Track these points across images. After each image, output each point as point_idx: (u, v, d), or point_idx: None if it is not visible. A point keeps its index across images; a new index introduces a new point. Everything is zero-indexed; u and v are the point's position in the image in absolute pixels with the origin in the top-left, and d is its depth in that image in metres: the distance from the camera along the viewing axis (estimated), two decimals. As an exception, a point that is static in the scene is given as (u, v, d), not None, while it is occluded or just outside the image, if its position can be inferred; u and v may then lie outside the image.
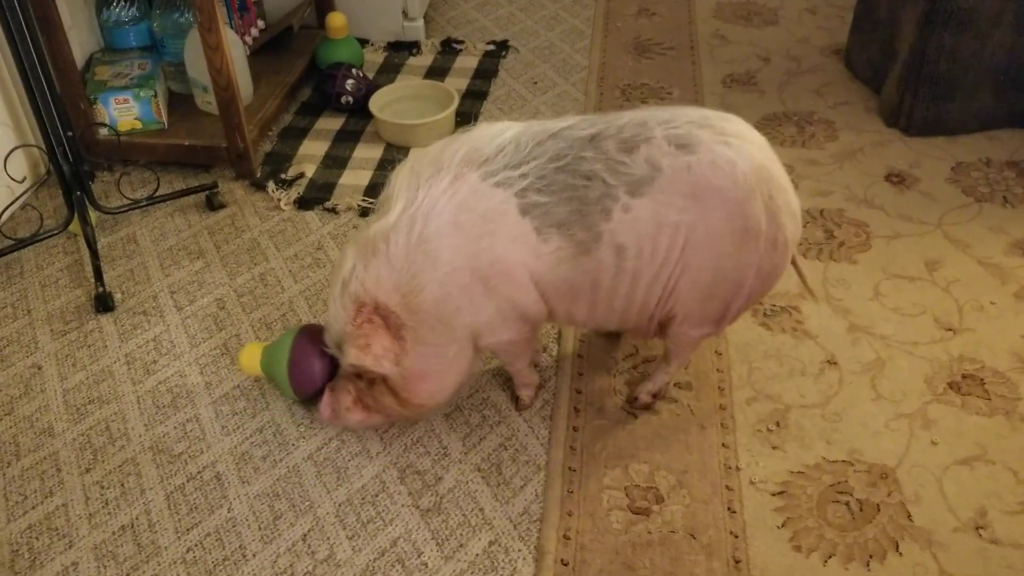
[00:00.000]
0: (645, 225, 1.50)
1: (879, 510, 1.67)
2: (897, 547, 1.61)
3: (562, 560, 1.61)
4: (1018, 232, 2.28)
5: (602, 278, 1.56)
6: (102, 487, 1.77)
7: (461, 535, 1.67)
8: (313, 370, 1.79)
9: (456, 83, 2.92)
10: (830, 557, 1.60)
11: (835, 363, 1.96)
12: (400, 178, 1.56)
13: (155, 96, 2.54)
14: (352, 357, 1.59)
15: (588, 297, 1.60)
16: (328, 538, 1.67)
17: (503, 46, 3.15)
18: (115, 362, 2.03)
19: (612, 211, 1.50)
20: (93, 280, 2.19)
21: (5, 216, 2.33)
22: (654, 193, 1.49)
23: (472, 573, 1.61)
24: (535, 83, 2.97)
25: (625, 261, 1.53)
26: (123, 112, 2.53)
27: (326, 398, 1.75)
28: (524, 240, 1.51)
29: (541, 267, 1.54)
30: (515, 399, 1.89)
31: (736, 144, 1.50)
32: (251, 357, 1.88)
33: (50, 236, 2.30)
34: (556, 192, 1.50)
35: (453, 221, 1.50)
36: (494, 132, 1.56)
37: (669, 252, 1.53)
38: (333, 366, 1.76)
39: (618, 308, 1.62)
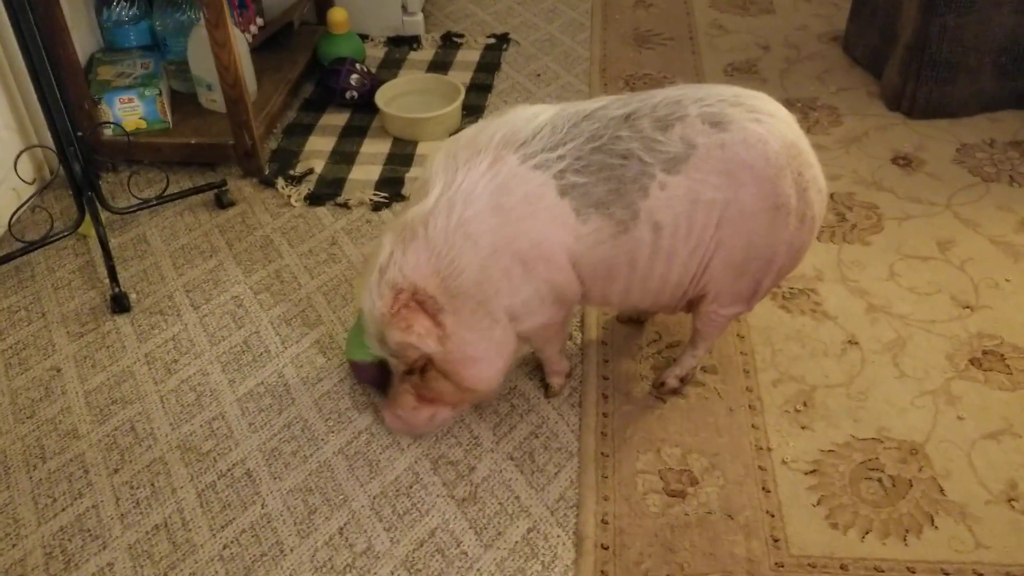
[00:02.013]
0: (681, 202, 1.52)
1: (911, 485, 1.69)
2: (932, 521, 1.63)
3: (602, 544, 1.62)
4: (1026, 210, 2.31)
5: (639, 257, 1.57)
6: (132, 487, 1.76)
7: (499, 523, 1.67)
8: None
9: (459, 77, 2.92)
10: (867, 533, 1.62)
11: (856, 343, 1.98)
12: (437, 162, 1.56)
13: (160, 95, 2.52)
14: (396, 337, 1.55)
15: (624, 277, 1.61)
16: (365, 530, 1.67)
17: (504, 39, 3.15)
18: (135, 362, 2.01)
19: (649, 188, 1.51)
20: (107, 281, 2.17)
21: (14, 219, 2.31)
22: (689, 171, 1.51)
23: (513, 560, 1.61)
24: (538, 75, 2.97)
25: (662, 239, 1.55)
26: (128, 112, 2.51)
27: (388, 412, 1.74)
28: (563, 221, 1.52)
29: (580, 248, 1.55)
30: (545, 386, 1.89)
31: (767, 122, 1.52)
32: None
33: (61, 238, 2.28)
34: (594, 172, 1.51)
35: (493, 204, 1.50)
36: (529, 115, 1.56)
37: (704, 229, 1.54)
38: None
39: (653, 288, 1.63)
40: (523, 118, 1.56)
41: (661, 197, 1.52)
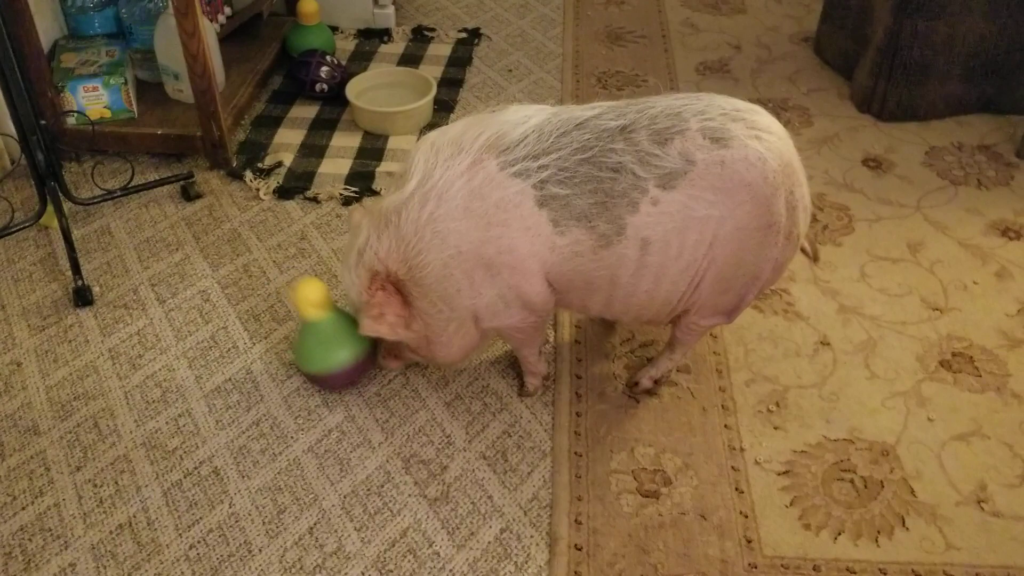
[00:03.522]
0: (673, 219, 1.49)
1: (883, 487, 1.70)
2: (904, 522, 1.64)
3: (576, 545, 1.60)
4: (994, 214, 2.33)
5: (621, 273, 1.55)
6: (95, 485, 1.72)
7: (472, 523, 1.65)
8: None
9: (430, 71, 2.89)
10: (840, 534, 1.62)
11: (828, 344, 1.98)
12: (420, 153, 1.55)
13: (125, 84, 2.47)
14: (367, 328, 1.61)
15: (605, 291, 1.59)
16: (336, 530, 1.64)
17: (475, 34, 3.13)
18: (99, 357, 1.97)
19: (640, 204, 1.48)
20: (69, 274, 2.12)
21: (-29, 209, 2.25)
22: (685, 187, 1.47)
23: (486, 560, 1.59)
24: (510, 71, 2.95)
25: (649, 255, 1.52)
26: (92, 100, 2.45)
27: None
28: (538, 232, 1.50)
29: (555, 259, 1.53)
30: (520, 384, 1.88)
31: (767, 139, 1.49)
32: (313, 302, 1.77)
33: (21, 228, 2.22)
34: (579, 184, 1.48)
35: (465, 206, 1.49)
36: (520, 118, 1.53)
37: (696, 247, 1.51)
38: None
39: (636, 303, 1.61)
40: (513, 121, 1.53)
41: (652, 213, 1.48)
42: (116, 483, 1.72)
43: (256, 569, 1.58)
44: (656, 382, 1.87)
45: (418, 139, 2.57)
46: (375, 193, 2.41)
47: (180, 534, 1.63)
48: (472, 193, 1.49)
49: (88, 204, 2.31)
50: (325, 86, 2.73)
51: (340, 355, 1.80)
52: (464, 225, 1.50)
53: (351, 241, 1.62)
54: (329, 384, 1.87)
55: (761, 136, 1.49)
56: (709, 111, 1.50)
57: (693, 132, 1.48)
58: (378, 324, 1.60)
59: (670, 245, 1.51)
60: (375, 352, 1.86)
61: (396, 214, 1.53)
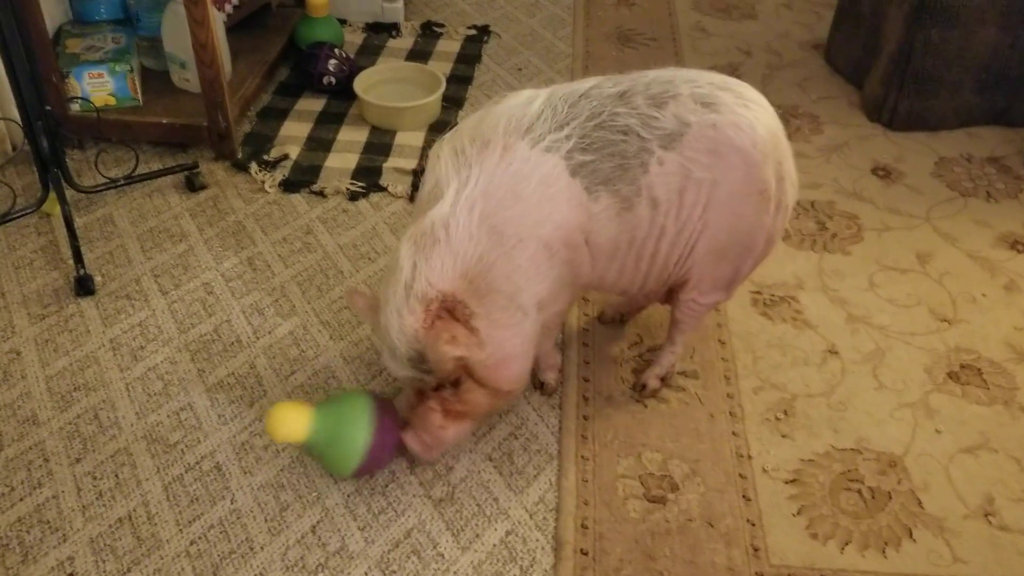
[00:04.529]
0: (675, 179, 1.52)
1: (891, 498, 1.69)
2: (911, 534, 1.63)
3: (582, 550, 1.59)
4: (1002, 226, 2.32)
5: (638, 236, 1.56)
6: (95, 478, 1.69)
7: (477, 525, 1.63)
8: (391, 446, 1.64)
9: (438, 67, 2.87)
10: (847, 544, 1.61)
11: (836, 353, 1.97)
12: (443, 161, 1.50)
13: (131, 71, 2.44)
14: (444, 351, 1.45)
15: (623, 257, 1.60)
16: (339, 529, 1.62)
17: (485, 31, 3.11)
18: (100, 348, 1.94)
19: (649, 164, 1.50)
20: (71, 262, 2.09)
21: (-27, 194, 2.22)
22: (682, 148, 1.50)
23: (490, 563, 1.58)
24: (520, 70, 2.93)
25: (657, 216, 1.55)
26: (97, 87, 2.43)
27: (411, 436, 1.60)
28: (578, 201, 1.50)
29: (594, 227, 1.53)
30: (540, 385, 1.86)
31: (754, 109, 1.54)
32: (293, 422, 1.57)
33: (23, 215, 2.19)
34: (599, 149, 1.49)
35: (513, 193, 1.46)
36: (524, 100, 1.54)
37: (693, 209, 1.54)
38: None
39: (643, 268, 1.62)
40: (519, 104, 1.53)
41: (659, 173, 1.51)
42: (116, 476, 1.70)
43: (258, 567, 1.56)
44: (662, 380, 1.86)
45: (424, 136, 2.57)
46: (382, 188, 2.39)
47: (181, 530, 1.61)
48: (515, 177, 1.47)
49: (91, 192, 2.29)
50: (333, 79, 2.71)
51: (357, 444, 1.60)
52: (517, 211, 1.47)
53: (394, 277, 1.48)
54: (371, 469, 1.67)
55: (749, 106, 1.54)
56: (698, 80, 1.55)
57: (684, 97, 1.52)
58: (454, 347, 1.45)
59: (672, 204, 1.54)
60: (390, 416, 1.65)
61: (444, 228, 1.45)
